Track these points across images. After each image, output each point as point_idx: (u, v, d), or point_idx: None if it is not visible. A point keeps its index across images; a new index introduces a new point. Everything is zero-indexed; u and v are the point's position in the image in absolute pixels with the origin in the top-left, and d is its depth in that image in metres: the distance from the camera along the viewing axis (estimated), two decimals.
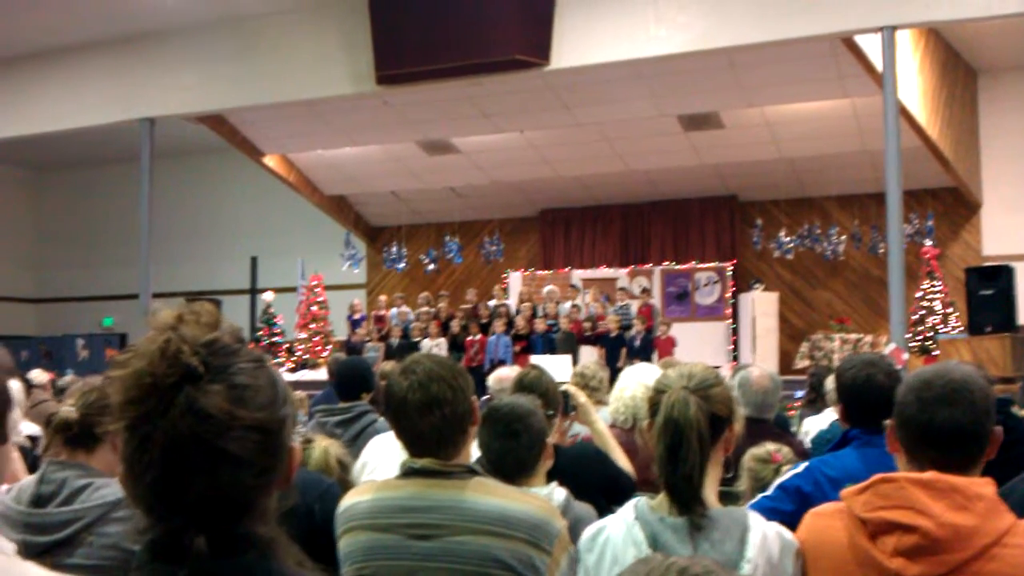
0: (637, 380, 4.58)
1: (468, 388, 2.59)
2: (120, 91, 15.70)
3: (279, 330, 19.36)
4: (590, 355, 15.36)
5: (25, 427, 4.79)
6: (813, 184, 18.22)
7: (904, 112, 12.42)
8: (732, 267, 18.94)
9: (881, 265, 15.83)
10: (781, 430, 4.82)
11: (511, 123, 16.99)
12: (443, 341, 16.48)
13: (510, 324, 16.45)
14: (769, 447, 3.67)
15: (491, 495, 2.48)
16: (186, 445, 1.22)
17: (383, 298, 19.09)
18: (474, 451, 2.85)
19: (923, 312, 15.59)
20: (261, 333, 19.15)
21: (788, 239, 17.51)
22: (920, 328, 15.41)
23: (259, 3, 14.48)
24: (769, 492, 3.01)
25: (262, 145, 18.52)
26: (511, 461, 2.99)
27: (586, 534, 2.36)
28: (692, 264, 19.22)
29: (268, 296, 19.48)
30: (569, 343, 15.67)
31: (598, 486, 3.56)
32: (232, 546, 1.27)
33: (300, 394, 6.61)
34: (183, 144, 19.72)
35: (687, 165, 18.04)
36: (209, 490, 1.24)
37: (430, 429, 2.50)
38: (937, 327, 15.25)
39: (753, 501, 3.00)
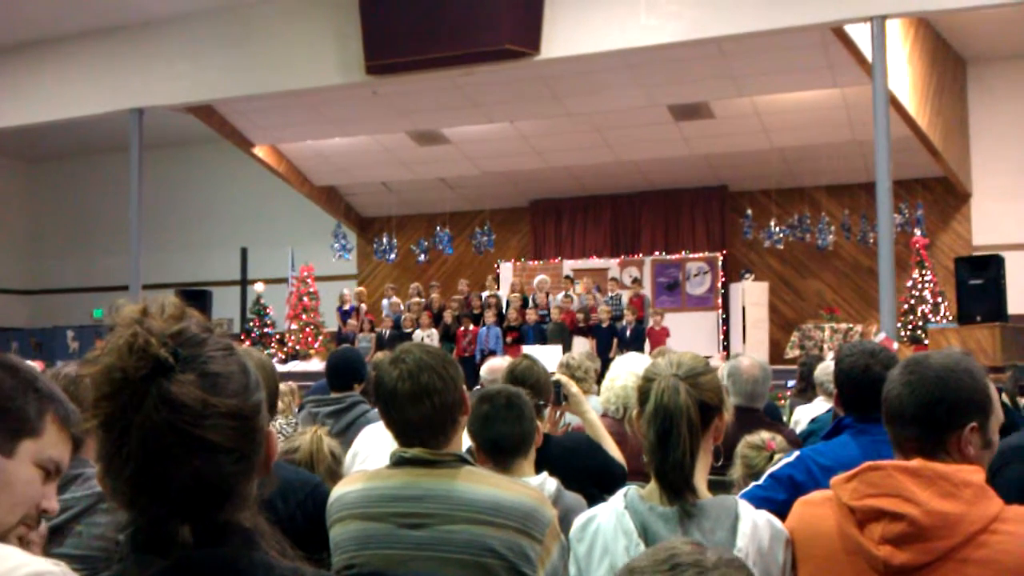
0: (628, 370, 4.58)
1: (458, 378, 2.59)
2: (110, 81, 15.66)
3: (270, 321, 19.32)
4: (582, 346, 15.38)
5: None
6: (803, 174, 18.23)
7: (894, 102, 12.45)
8: (722, 257, 18.97)
9: (871, 255, 15.86)
10: (771, 419, 4.83)
11: (501, 113, 16.98)
12: (434, 332, 16.47)
13: (500, 315, 16.45)
14: (764, 435, 3.68)
15: (482, 483, 2.47)
16: (163, 436, 1.23)
17: (362, 289, 19.11)
18: (464, 441, 2.85)
19: (913, 302, 15.63)
20: (252, 324, 19.12)
21: (778, 229, 17.53)
22: (910, 318, 15.45)
23: None
24: (761, 481, 3.01)
25: (252, 136, 18.48)
26: (505, 435, 2.97)
27: (576, 523, 2.35)
28: (683, 254, 19.24)
29: (259, 287, 19.44)
30: (561, 333, 15.67)
31: (590, 475, 3.57)
32: (215, 535, 1.28)
33: (291, 384, 6.59)
34: (173, 135, 19.68)
35: (678, 155, 18.04)
36: (190, 479, 1.25)
37: (420, 418, 2.50)
38: (927, 316, 15.29)
39: (745, 490, 3.00)
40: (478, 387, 5.53)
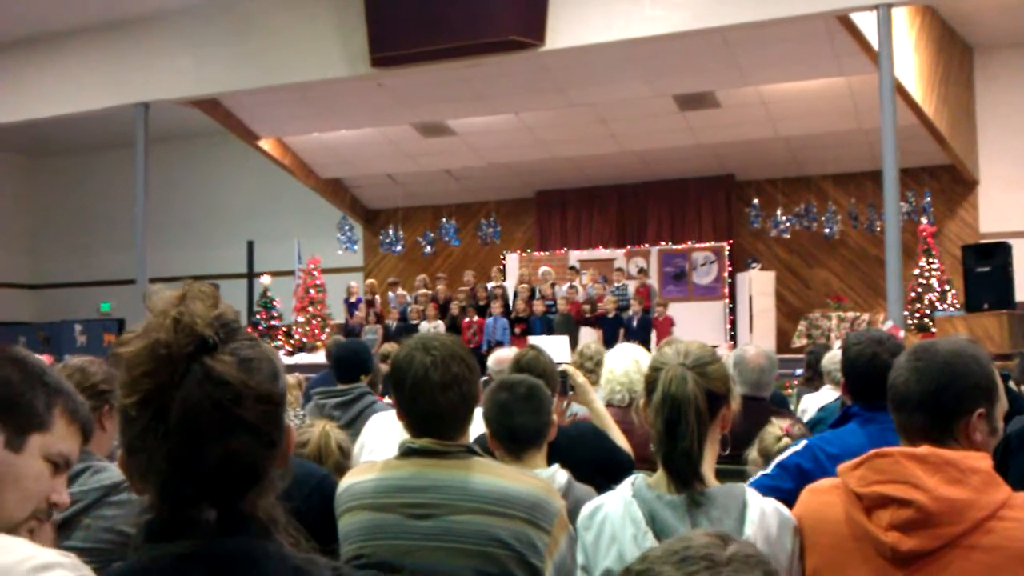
0: (628, 357, 4.58)
1: (478, 370, 2.60)
2: (114, 76, 15.67)
3: (277, 314, 19.37)
4: (588, 336, 15.37)
5: None
6: (809, 163, 18.21)
7: (900, 90, 12.41)
8: (729, 247, 18.94)
9: (878, 243, 15.84)
10: (778, 408, 4.83)
11: (506, 105, 16.96)
12: (441, 323, 16.47)
13: (506, 306, 16.46)
14: (784, 422, 3.69)
15: (490, 474, 2.48)
16: (205, 412, 1.26)
17: (373, 280, 19.13)
18: (472, 432, 2.85)
19: (920, 290, 15.62)
20: (259, 317, 19.15)
21: (785, 218, 17.52)
22: (917, 306, 15.44)
23: None
24: (769, 470, 3.02)
25: (257, 129, 18.49)
26: (523, 426, 2.98)
27: (584, 512, 2.35)
28: (689, 244, 19.22)
29: (265, 280, 19.47)
30: (567, 324, 15.67)
31: (596, 465, 3.56)
32: (233, 523, 1.30)
33: (298, 376, 6.61)
34: (178, 129, 19.69)
35: (683, 145, 18.02)
36: (225, 457, 1.28)
37: (448, 407, 2.50)
38: (934, 304, 15.27)
39: (753, 479, 3.00)
40: (485, 378, 5.53)
